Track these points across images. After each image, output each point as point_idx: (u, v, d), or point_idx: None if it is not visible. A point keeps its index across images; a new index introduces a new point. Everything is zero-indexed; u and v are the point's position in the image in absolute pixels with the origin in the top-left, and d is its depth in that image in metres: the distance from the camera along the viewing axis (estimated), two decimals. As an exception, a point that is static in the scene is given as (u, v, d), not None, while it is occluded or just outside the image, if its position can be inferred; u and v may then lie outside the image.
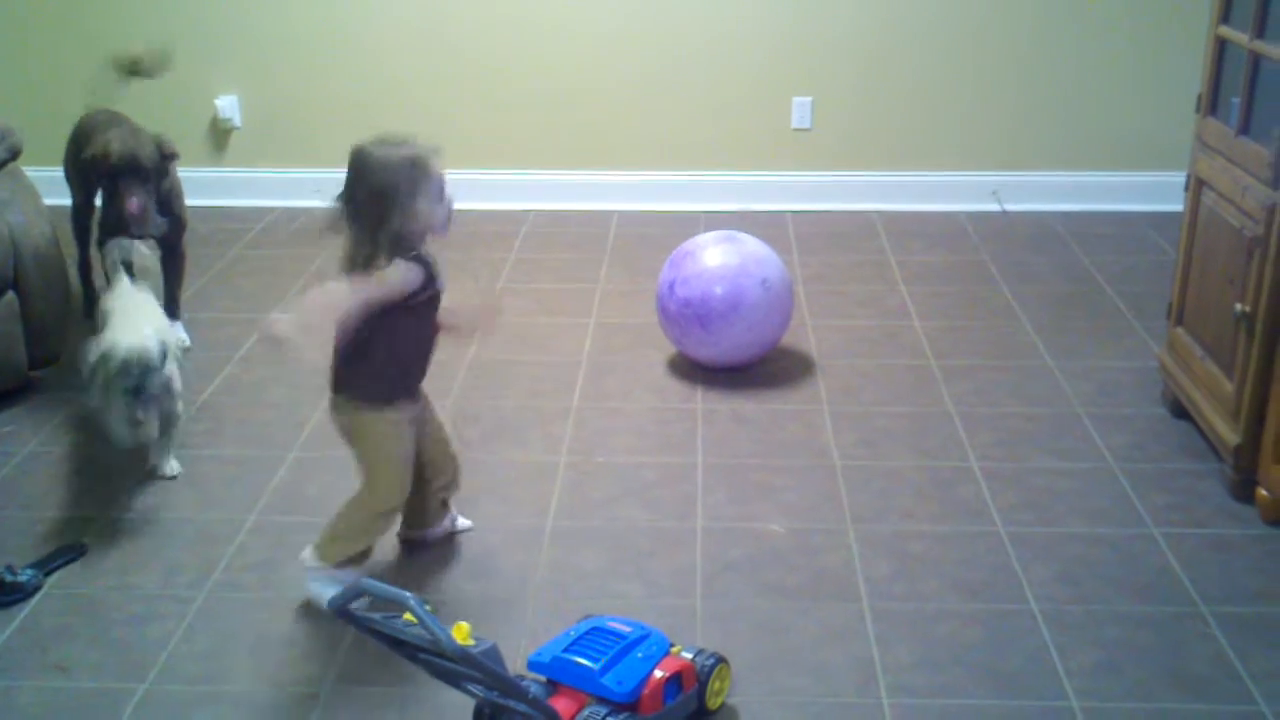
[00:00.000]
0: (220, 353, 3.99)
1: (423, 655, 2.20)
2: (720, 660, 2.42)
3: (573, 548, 2.97)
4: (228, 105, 5.33)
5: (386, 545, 2.91)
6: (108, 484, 3.21)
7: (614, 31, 5.17)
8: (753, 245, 3.79)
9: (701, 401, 3.67)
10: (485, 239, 4.93)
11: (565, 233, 5.09)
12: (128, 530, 3.03)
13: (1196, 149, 3.43)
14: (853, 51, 5.16)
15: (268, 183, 5.35)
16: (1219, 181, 3.26)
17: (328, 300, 2.56)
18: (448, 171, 2.64)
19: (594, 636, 2.35)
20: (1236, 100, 3.21)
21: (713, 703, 2.41)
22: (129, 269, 3.40)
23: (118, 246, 3.55)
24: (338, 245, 2.65)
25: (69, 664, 2.57)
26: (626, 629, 2.38)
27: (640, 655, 2.32)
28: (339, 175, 2.62)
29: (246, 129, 5.38)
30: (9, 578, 2.76)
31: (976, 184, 5.30)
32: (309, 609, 2.72)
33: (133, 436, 3.08)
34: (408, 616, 2.14)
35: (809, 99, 5.23)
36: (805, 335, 4.09)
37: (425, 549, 2.95)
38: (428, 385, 2.83)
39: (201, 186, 5.01)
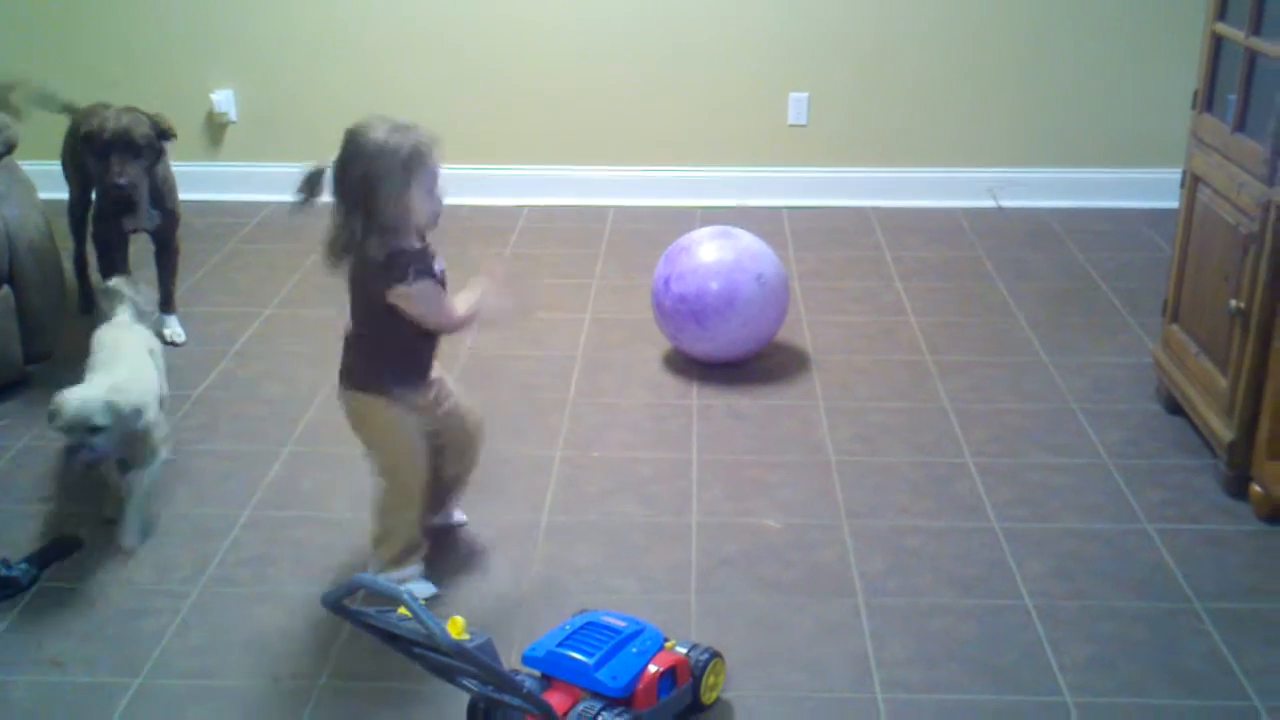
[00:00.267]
0: (215, 347, 3.98)
1: (417, 650, 2.20)
2: (715, 655, 2.42)
3: (568, 542, 2.97)
4: (223, 99, 5.32)
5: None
6: (102, 479, 3.20)
7: (611, 27, 5.17)
8: (748, 241, 3.79)
9: (697, 397, 3.67)
10: (480, 234, 4.93)
11: (561, 228, 5.09)
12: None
13: (1192, 146, 3.43)
14: (849, 47, 5.16)
15: (263, 177, 5.33)
16: (1215, 178, 3.27)
17: (458, 326, 2.70)
18: (447, 166, 2.61)
19: (589, 631, 2.35)
20: (1233, 97, 3.21)
21: (707, 698, 2.41)
22: (124, 303, 3.28)
23: (118, 284, 3.39)
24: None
25: (63, 658, 2.57)
26: (621, 624, 2.38)
27: (635, 650, 2.33)
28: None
29: (242, 123, 5.37)
30: (3, 572, 2.76)
31: (973, 181, 5.30)
32: (305, 605, 2.71)
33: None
34: (402, 611, 2.13)
35: (805, 95, 5.23)
36: (801, 331, 4.09)
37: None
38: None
39: (197, 181, 5.01)
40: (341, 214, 2.54)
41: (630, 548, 2.95)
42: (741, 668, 2.52)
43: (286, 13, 5.19)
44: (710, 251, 3.72)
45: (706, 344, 3.74)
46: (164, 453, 3.00)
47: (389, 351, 2.67)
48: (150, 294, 3.52)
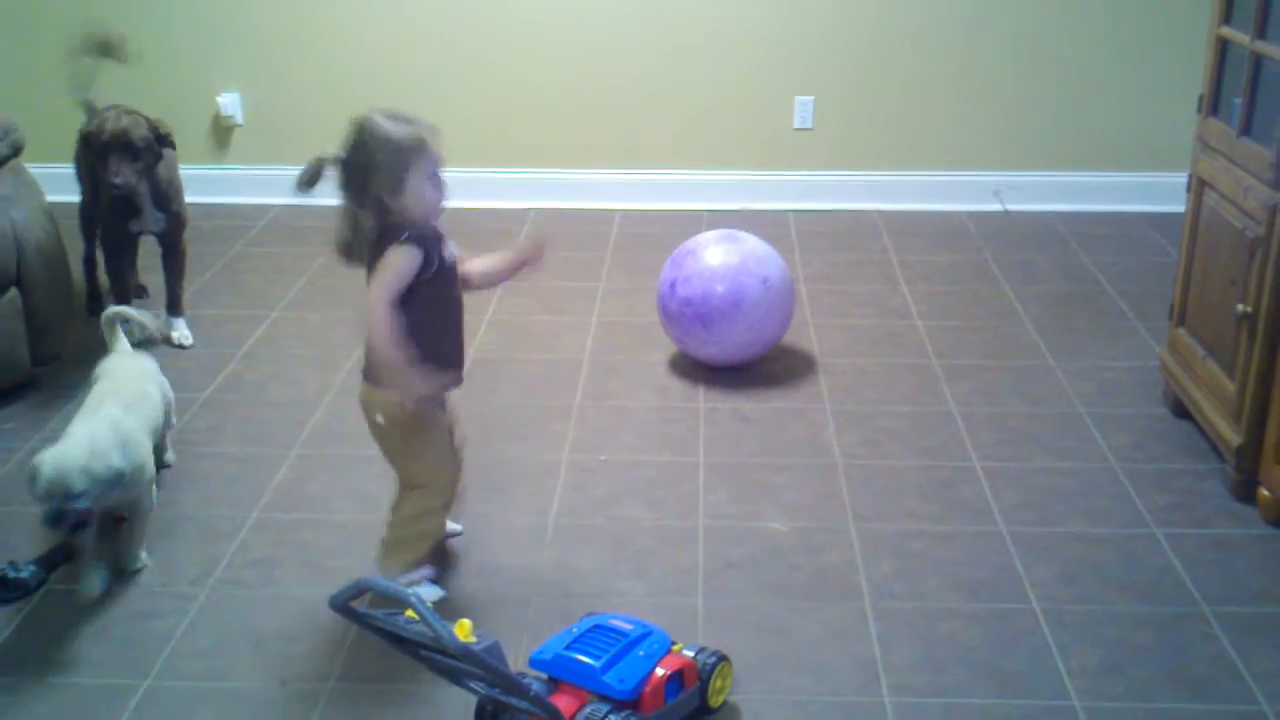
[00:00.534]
0: (223, 350, 3.99)
1: (425, 652, 2.20)
2: (722, 658, 2.42)
3: (575, 545, 2.97)
4: (230, 102, 5.33)
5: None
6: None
7: (617, 31, 5.17)
8: (753, 244, 3.79)
9: (703, 400, 3.67)
10: (487, 237, 4.92)
11: (567, 231, 5.09)
12: (130, 527, 3.03)
13: (1198, 149, 3.43)
14: (854, 51, 5.16)
15: (270, 180, 5.34)
16: (1220, 182, 3.27)
17: (377, 324, 2.55)
18: (453, 169, 2.61)
19: (596, 634, 2.36)
20: (1238, 101, 3.21)
21: (714, 701, 2.41)
22: (129, 333, 3.21)
23: (116, 313, 3.24)
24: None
25: (75, 660, 2.57)
26: (628, 627, 2.38)
27: (642, 653, 2.33)
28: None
29: (248, 126, 5.38)
30: (12, 574, 2.76)
31: (978, 184, 5.30)
32: (313, 607, 2.71)
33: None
34: (409, 613, 2.14)
35: (811, 98, 5.23)
36: (807, 334, 4.09)
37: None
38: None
39: (204, 184, 5.02)
40: (346, 200, 2.57)
41: (637, 551, 2.95)
42: (748, 671, 2.52)
43: (292, 16, 5.20)
44: (716, 255, 3.72)
45: (712, 347, 3.74)
46: (151, 500, 2.88)
47: (413, 340, 2.63)
48: (151, 318, 3.33)
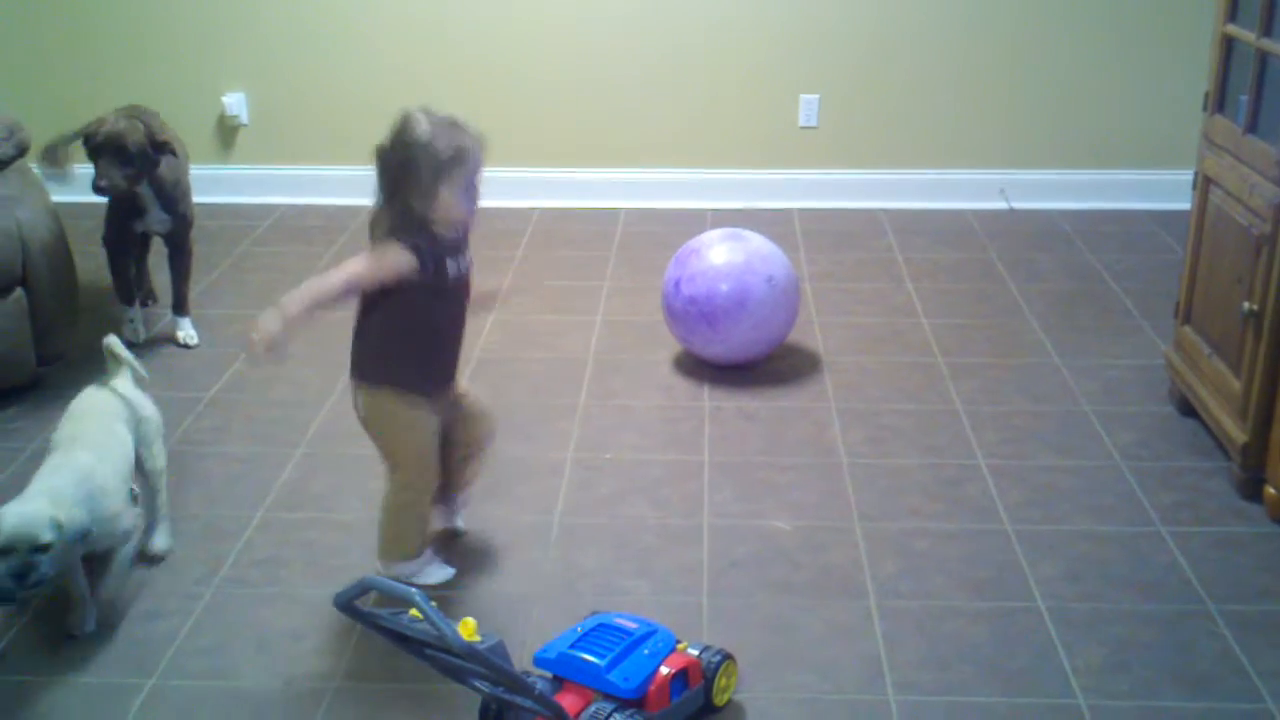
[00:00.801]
0: (228, 349, 3.99)
1: (429, 651, 2.20)
2: (727, 657, 2.42)
3: (579, 544, 2.97)
4: (235, 102, 5.33)
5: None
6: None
7: (621, 29, 5.17)
8: (758, 243, 3.79)
9: (708, 399, 3.67)
10: (491, 236, 4.93)
11: (571, 230, 5.09)
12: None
13: (1204, 147, 3.42)
14: (860, 49, 5.16)
15: (275, 179, 5.35)
16: (1226, 180, 3.26)
17: (311, 286, 2.52)
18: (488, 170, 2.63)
19: (600, 633, 2.36)
20: (1244, 98, 3.20)
21: (719, 699, 2.41)
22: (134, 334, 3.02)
23: (110, 344, 3.00)
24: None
25: (80, 659, 2.58)
26: (633, 625, 2.38)
27: (647, 652, 2.33)
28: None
29: (254, 126, 5.38)
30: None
31: (983, 182, 5.30)
32: (317, 606, 2.71)
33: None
34: (414, 612, 2.14)
35: (816, 97, 5.23)
36: (812, 333, 4.09)
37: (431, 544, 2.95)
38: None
39: (209, 183, 5.02)
40: (380, 193, 2.58)
41: (642, 549, 2.95)
42: (753, 669, 2.52)
43: (297, 16, 5.20)
44: (721, 254, 3.72)
45: (717, 346, 3.74)
46: (132, 543, 2.71)
47: (395, 341, 2.65)
48: (136, 363, 3.02)
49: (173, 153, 3.82)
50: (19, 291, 3.64)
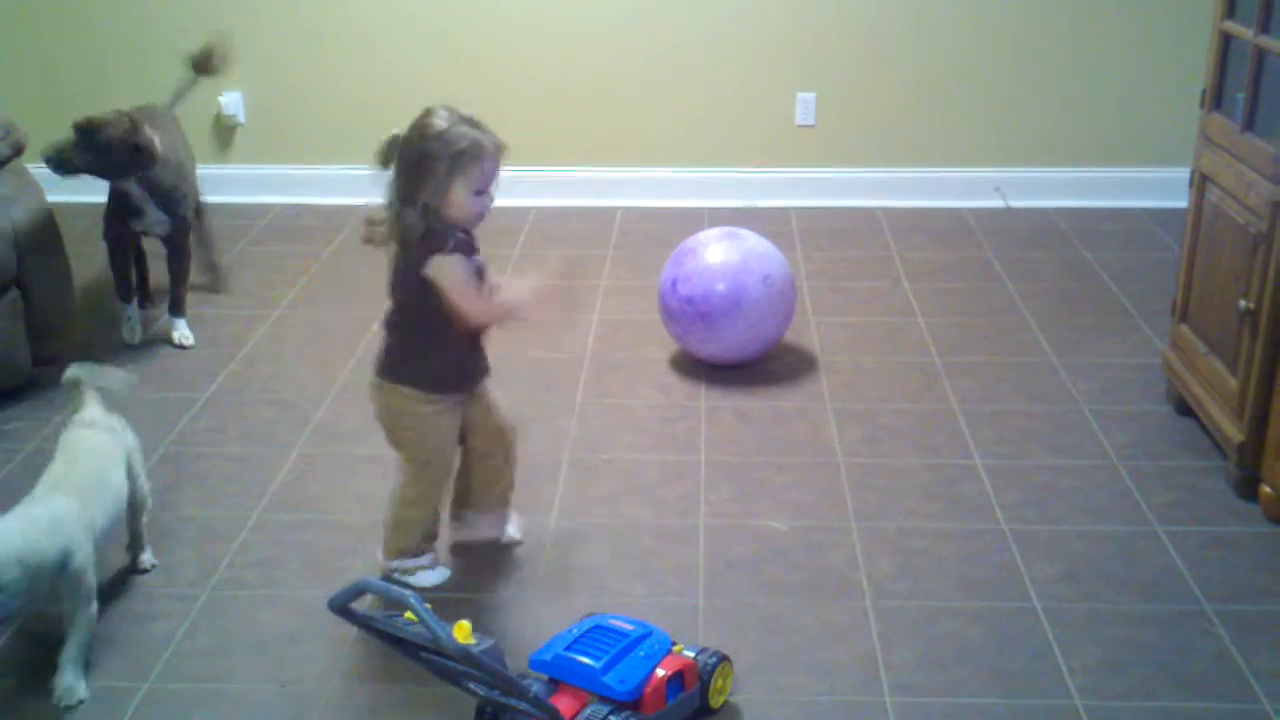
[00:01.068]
0: (224, 350, 3.99)
1: (424, 654, 2.20)
2: (723, 659, 2.42)
3: (575, 545, 2.97)
4: (232, 102, 5.32)
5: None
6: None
7: (618, 28, 5.17)
8: (754, 242, 3.78)
9: (705, 399, 3.67)
10: (489, 234, 4.90)
11: (568, 229, 5.08)
12: (131, 528, 3.02)
13: (1201, 145, 3.42)
14: (856, 47, 5.16)
15: (271, 179, 5.34)
16: (1223, 177, 3.26)
17: (478, 317, 2.64)
18: (505, 171, 2.63)
19: (596, 635, 2.35)
20: (1241, 96, 3.20)
21: (715, 701, 2.41)
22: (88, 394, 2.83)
23: (77, 373, 2.85)
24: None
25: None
26: (629, 627, 2.38)
27: (642, 654, 2.32)
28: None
29: (250, 125, 5.37)
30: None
31: (980, 180, 5.29)
32: (314, 608, 2.71)
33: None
34: (409, 615, 2.14)
35: (813, 95, 5.22)
36: (809, 332, 4.08)
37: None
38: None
39: (205, 183, 4.98)
40: (391, 190, 2.58)
41: (638, 550, 2.95)
42: (749, 671, 2.51)
43: (294, 15, 5.19)
44: (717, 253, 3.72)
45: (714, 345, 3.74)
46: (94, 606, 2.53)
47: (426, 341, 2.66)
48: (117, 373, 2.96)
49: (151, 159, 3.75)
50: (14, 292, 3.63)
